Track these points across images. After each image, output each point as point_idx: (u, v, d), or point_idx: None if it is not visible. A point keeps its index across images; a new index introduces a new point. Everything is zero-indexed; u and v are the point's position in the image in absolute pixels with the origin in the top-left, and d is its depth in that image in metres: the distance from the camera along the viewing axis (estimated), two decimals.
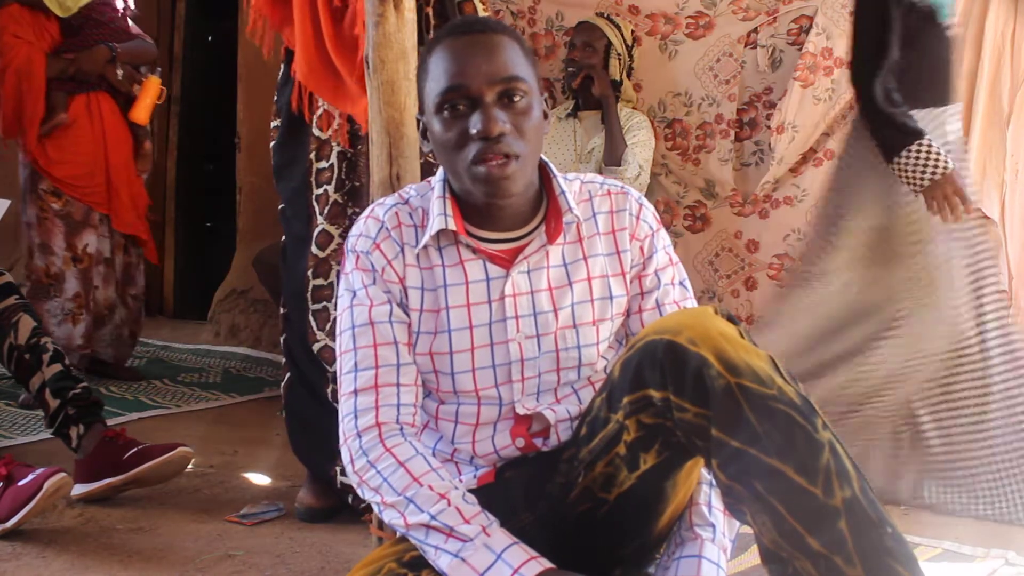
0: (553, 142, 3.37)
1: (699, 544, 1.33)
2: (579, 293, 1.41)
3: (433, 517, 1.25)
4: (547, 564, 1.20)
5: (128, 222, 3.81)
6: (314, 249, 2.24)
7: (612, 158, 3.19)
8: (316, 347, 2.23)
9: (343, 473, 2.22)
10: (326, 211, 2.23)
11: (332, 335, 2.21)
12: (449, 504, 1.25)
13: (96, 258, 3.75)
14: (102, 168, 3.71)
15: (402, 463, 1.30)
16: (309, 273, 2.24)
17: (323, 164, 2.24)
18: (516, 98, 1.33)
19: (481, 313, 1.38)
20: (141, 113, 3.74)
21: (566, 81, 3.43)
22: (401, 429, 1.34)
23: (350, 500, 2.21)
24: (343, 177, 2.22)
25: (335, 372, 2.19)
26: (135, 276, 3.96)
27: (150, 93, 3.74)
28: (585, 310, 1.41)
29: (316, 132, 2.24)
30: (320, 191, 2.24)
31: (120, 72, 3.70)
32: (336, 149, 2.23)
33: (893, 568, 1.08)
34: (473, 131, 1.31)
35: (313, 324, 2.24)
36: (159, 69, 3.87)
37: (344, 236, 2.20)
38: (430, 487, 1.27)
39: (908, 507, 2.43)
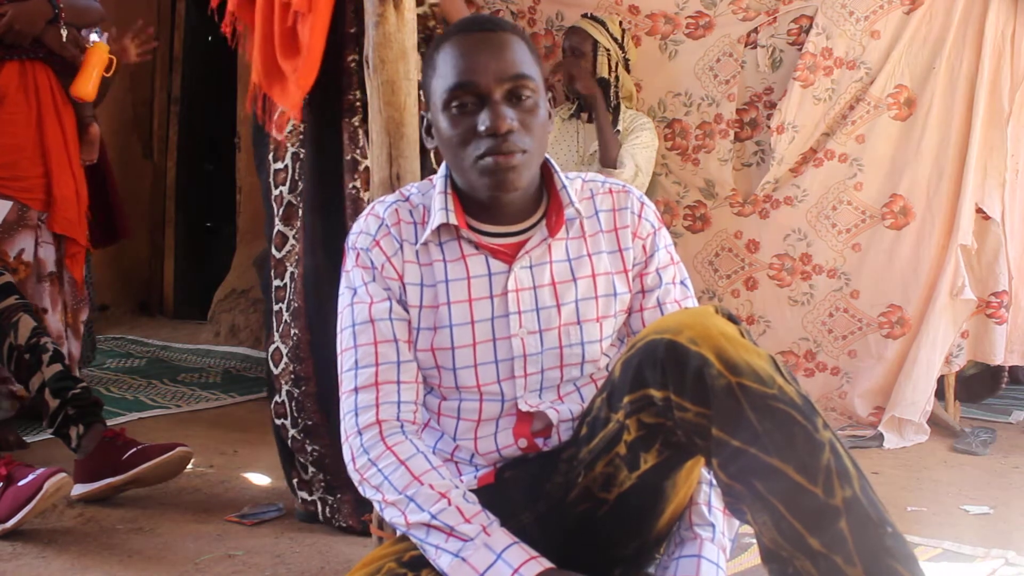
0: (556, 143, 3.37)
1: (698, 544, 1.33)
2: (583, 289, 1.41)
3: (434, 516, 1.25)
4: (547, 564, 1.20)
5: (66, 220, 2.96)
6: (272, 250, 2.24)
7: (607, 159, 3.19)
8: (270, 349, 2.23)
9: (300, 487, 2.22)
10: (280, 212, 2.22)
11: (283, 337, 2.20)
12: (450, 503, 1.25)
13: (38, 270, 2.93)
14: (39, 155, 2.92)
15: (403, 461, 1.30)
16: (271, 274, 2.24)
17: (279, 165, 2.23)
18: (524, 96, 1.34)
19: (483, 308, 1.38)
20: (85, 87, 2.89)
21: (564, 86, 3.43)
22: (402, 427, 1.34)
23: (320, 517, 2.20)
24: (295, 178, 2.21)
25: (279, 375, 2.19)
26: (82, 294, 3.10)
27: (96, 63, 2.90)
28: (589, 306, 1.41)
29: (274, 133, 2.24)
30: (277, 192, 2.23)
31: (65, 34, 2.91)
32: (290, 150, 2.21)
33: (893, 568, 1.08)
34: (481, 128, 1.32)
35: (273, 324, 2.23)
36: (106, 34, 3.01)
37: (297, 238, 2.20)
38: (431, 486, 1.27)
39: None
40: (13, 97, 2.88)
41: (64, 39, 2.92)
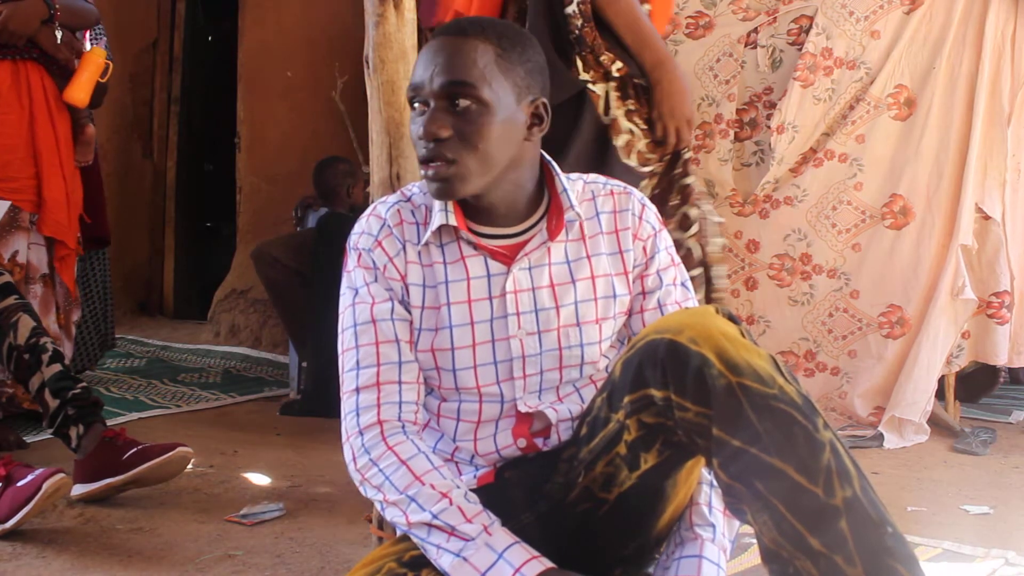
0: None
1: (699, 544, 1.33)
2: (582, 291, 1.41)
3: (435, 516, 1.25)
4: (548, 564, 1.20)
5: (55, 223, 2.91)
6: None
7: None
8: None
9: None
10: None
11: None
12: (451, 503, 1.26)
13: (30, 273, 2.89)
14: (30, 156, 2.87)
15: (404, 461, 1.30)
16: None
17: None
18: (460, 103, 1.32)
19: (482, 309, 1.38)
20: (78, 92, 2.89)
21: None
22: (403, 427, 1.34)
23: None
24: None
25: None
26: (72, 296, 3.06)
27: (91, 68, 2.89)
28: (588, 308, 1.41)
29: None
30: None
31: (59, 35, 2.87)
32: None
33: (894, 568, 1.08)
34: (414, 131, 1.35)
35: None
36: (104, 39, 3.04)
37: None
38: (432, 486, 1.27)
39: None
40: (5, 97, 2.83)
41: (59, 40, 2.87)
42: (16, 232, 2.86)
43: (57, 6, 2.86)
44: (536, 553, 1.21)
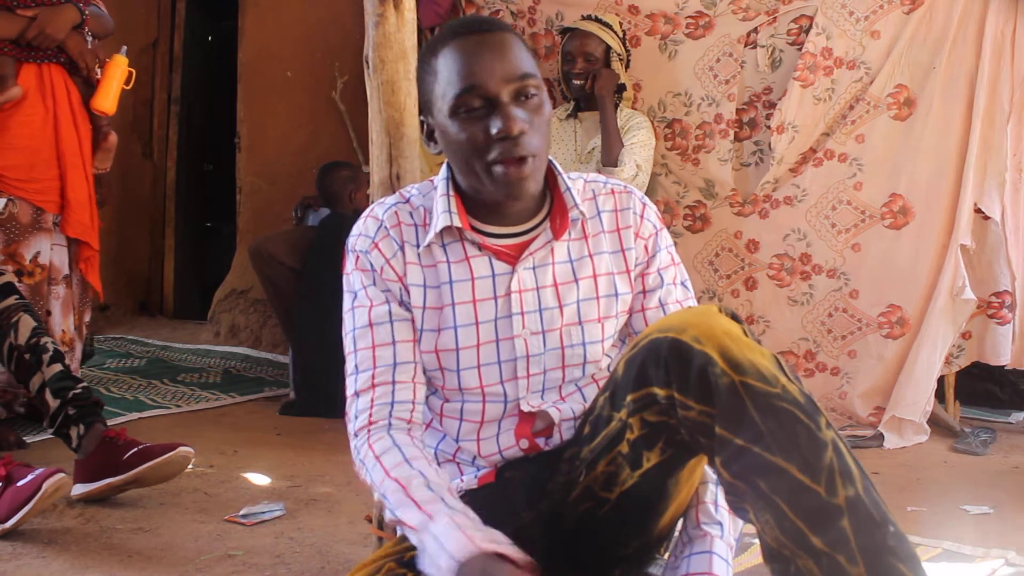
0: (554, 142, 3.37)
1: (708, 540, 1.33)
2: (585, 290, 1.41)
3: (393, 510, 1.26)
4: (488, 547, 1.16)
5: (79, 223, 2.97)
6: None
7: (608, 158, 3.20)
8: None
9: None
10: None
11: None
12: (406, 493, 1.25)
13: (52, 274, 2.96)
14: (54, 158, 2.92)
15: (377, 457, 1.31)
16: None
17: None
18: (531, 94, 1.33)
19: (487, 309, 1.38)
20: (105, 101, 2.94)
21: (573, 91, 3.40)
22: (389, 425, 1.34)
23: None
24: None
25: None
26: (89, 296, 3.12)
27: (116, 76, 2.94)
28: (591, 307, 1.41)
29: None
30: None
31: (90, 40, 2.93)
32: None
33: (895, 567, 1.08)
34: (494, 131, 1.30)
35: None
36: (124, 47, 3.05)
37: None
38: (396, 479, 1.27)
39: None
40: (30, 99, 2.87)
41: (88, 46, 2.93)
42: (39, 233, 2.91)
43: (87, 13, 2.92)
44: (477, 534, 1.17)
